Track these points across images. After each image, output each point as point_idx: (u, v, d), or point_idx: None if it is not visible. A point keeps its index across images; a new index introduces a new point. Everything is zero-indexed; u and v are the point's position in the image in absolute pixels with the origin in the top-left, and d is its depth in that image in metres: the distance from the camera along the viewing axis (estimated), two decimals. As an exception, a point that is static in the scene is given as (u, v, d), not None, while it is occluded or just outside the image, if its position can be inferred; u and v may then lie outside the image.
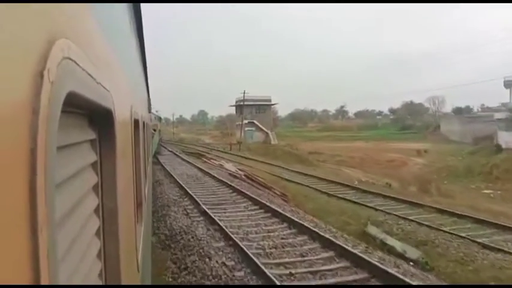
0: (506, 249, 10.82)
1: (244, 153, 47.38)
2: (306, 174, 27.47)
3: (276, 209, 13.34)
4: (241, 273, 8.12)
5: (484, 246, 11.00)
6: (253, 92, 63.99)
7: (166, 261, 9.00)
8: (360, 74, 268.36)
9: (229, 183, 19.46)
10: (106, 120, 1.28)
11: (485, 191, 35.14)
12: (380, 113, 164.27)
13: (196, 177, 23.19)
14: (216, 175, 22.94)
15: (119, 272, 1.37)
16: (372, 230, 12.54)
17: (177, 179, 21.14)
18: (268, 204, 14.22)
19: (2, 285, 0.48)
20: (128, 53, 2.66)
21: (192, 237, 10.50)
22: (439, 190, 27.16)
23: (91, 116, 1.19)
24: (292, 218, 12.10)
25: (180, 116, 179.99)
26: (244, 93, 54.97)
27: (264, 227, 11.49)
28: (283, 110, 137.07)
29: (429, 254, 10.54)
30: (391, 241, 11.65)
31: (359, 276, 8.04)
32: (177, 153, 41.58)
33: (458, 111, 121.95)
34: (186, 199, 16.02)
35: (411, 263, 9.91)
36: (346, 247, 9.25)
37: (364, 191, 19.73)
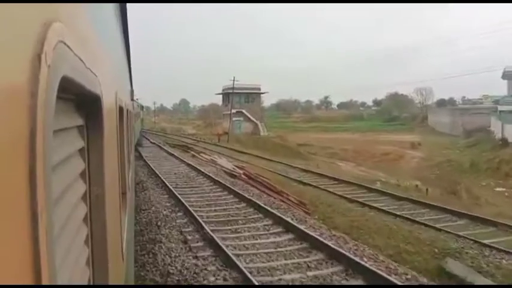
0: None
1: (233, 145, 43.16)
2: (311, 172, 23.52)
3: (311, 233, 9.32)
4: None
5: None
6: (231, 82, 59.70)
7: None
8: (342, 66, 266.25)
9: (231, 186, 15.35)
10: (94, 106, 1.25)
11: (498, 189, 31.95)
12: (363, 104, 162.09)
13: (188, 176, 18.95)
14: (211, 174, 18.78)
15: (106, 260, 1.34)
16: (455, 267, 8.65)
17: (165, 181, 16.89)
18: (295, 223, 10.20)
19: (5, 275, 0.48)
20: (111, 38, 2.37)
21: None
22: (469, 192, 23.53)
23: (79, 101, 1.16)
24: (338, 249, 8.15)
25: (161, 104, 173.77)
26: (234, 80, 50.45)
27: (310, 272, 7.43)
28: (267, 100, 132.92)
29: None
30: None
31: None
32: (160, 144, 37.08)
33: (441, 103, 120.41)
34: (179, 213, 11.84)
35: None
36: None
37: (400, 198, 15.84)
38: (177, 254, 8.34)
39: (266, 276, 7.14)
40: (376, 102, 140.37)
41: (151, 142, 40.66)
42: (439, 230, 11.31)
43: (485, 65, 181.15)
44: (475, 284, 7.99)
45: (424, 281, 7.49)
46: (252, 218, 11.24)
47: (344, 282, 7.02)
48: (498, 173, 36.36)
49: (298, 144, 61.16)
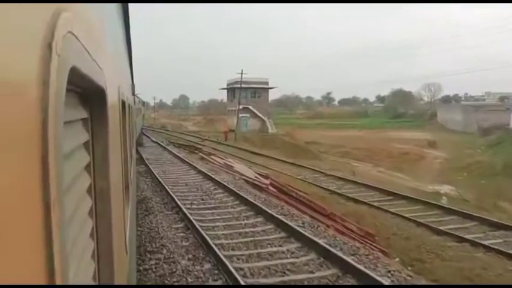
0: None
1: (243, 144, 38.87)
2: (347, 180, 19.22)
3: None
4: None
5: None
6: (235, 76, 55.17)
7: None
8: (343, 60, 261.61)
9: (266, 209, 11.12)
10: (99, 99, 1.23)
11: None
12: (365, 100, 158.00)
13: (203, 190, 14.69)
14: (231, 186, 14.59)
15: (111, 253, 1.32)
16: None
17: (175, 197, 12.64)
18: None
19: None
20: (114, 33, 2.36)
21: None
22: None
23: (84, 94, 1.15)
24: None
25: (160, 100, 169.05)
26: (242, 73, 45.83)
27: None
28: (269, 96, 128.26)
29: None
30: None
31: None
32: (162, 144, 32.74)
33: (446, 99, 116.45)
34: (207, 265, 7.56)
35: None
36: None
37: (491, 223, 11.60)
38: None
39: None
40: (380, 99, 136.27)
41: (152, 141, 36.32)
42: None
43: (486, 62, 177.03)
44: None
45: None
46: (326, 277, 6.96)
47: None
48: (539, 177, 32.24)
49: (306, 142, 56.90)
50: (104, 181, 1.30)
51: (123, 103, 2.81)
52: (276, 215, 10.50)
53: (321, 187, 17.16)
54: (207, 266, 7.45)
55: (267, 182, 16.53)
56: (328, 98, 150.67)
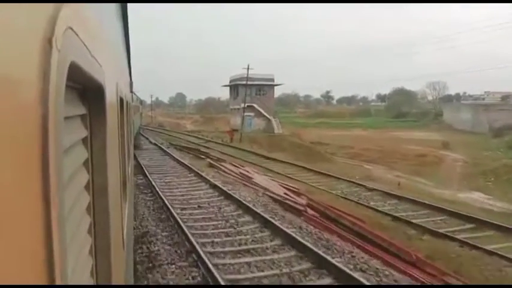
0: None
1: (252, 146, 34.96)
2: (396, 197, 15.32)
3: None
4: None
5: None
6: (239, 72, 51.23)
7: None
8: (340, 59, 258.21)
9: (329, 258, 7.25)
10: (97, 96, 1.22)
11: None
12: (365, 98, 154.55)
13: (224, 216, 10.79)
14: (261, 211, 10.73)
15: (109, 249, 1.31)
16: None
17: (188, 234, 8.71)
18: None
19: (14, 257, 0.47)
20: (113, 30, 2.35)
21: None
22: None
23: (83, 90, 1.15)
24: None
25: (157, 98, 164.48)
26: (248, 68, 41.61)
27: None
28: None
29: None
30: None
31: None
32: (163, 146, 28.74)
33: (448, 98, 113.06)
34: None
35: None
36: None
37: None
38: None
39: None
40: (381, 97, 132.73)
41: (151, 142, 32.28)
42: None
43: (486, 61, 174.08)
44: None
45: None
46: None
47: None
48: None
49: (311, 142, 53.07)
50: (102, 177, 1.27)
51: (121, 100, 2.79)
52: (348, 270, 6.65)
53: (369, 207, 13.26)
54: None
55: (303, 201, 12.63)
56: (327, 97, 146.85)
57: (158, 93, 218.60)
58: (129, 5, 3.99)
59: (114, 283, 1.42)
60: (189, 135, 43.59)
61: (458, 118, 75.67)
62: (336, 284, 6.48)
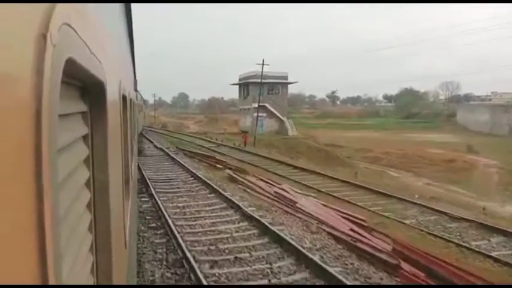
0: None
1: (267, 151, 30.67)
2: (486, 227, 11.11)
3: None
4: None
5: None
6: (249, 69, 47.03)
7: None
8: (343, 59, 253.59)
9: None
10: (98, 93, 1.21)
11: None
12: (369, 99, 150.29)
13: (278, 277, 6.55)
14: (335, 270, 6.50)
15: (109, 246, 1.29)
16: None
17: None
18: None
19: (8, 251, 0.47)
20: (116, 28, 2.30)
21: None
22: None
23: (83, 87, 1.14)
24: None
25: (160, 98, 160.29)
26: (263, 63, 36.93)
27: None
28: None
29: None
30: None
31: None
32: (169, 151, 24.54)
33: (458, 98, 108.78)
34: None
35: None
36: None
37: None
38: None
39: None
40: (387, 98, 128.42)
41: (156, 146, 28.05)
42: None
43: (492, 62, 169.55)
44: None
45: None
46: None
47: None
48: None
49: (325, 144, 48.80)
50: (103, 175, 1.25)
51: (124, 98, 2.71)
52: None
53: (489, 256, 8.92)
54: None
55: (387, 246, 8.40)
56: (333, 97, 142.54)
57: (161, 93, 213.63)
58: (132, 5, 3.80)
59: (115, 281, 1.38)
60: (195, 137, 39.28)
61: (473, 119, 71.45)
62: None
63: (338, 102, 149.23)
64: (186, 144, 31.55)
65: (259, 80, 43.69)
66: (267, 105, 42.97)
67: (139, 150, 22.12)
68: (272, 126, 44.85)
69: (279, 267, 7.25)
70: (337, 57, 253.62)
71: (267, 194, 13.07)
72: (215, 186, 13.68)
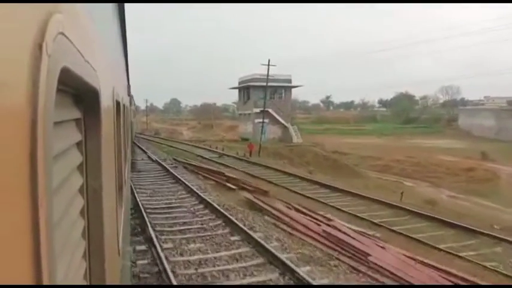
0: None
1: (274, 161, 26.74)
2: None
3: None
4: None
5: None
6: (250, 72, 43.31)
7: None
8: (337, 64, 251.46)
9: None
10: (92, 100, 1.21)
11: None
12: (365, 104, 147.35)
13: None
14: None
15: (102, 253, 1.28)
16: None
17: None
18: None
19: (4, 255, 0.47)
20: (109, 34, 2.26)
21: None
22: None
23: (77, 94, 1.13)
24: None
25: (151, 104, 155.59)
26: (268, 64, 32.84)
27: None
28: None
29: None
30: None
31: None
32: (166, 164, 20.52)
33: (454, 103, 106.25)
34: None
35: None
36: None
37: None
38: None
39: None
40: (382, 103, 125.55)
41: (150, 158, 23.98)
42: None
43: (485, 66, 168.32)
44: None
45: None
46: None
47: None
48: None
49: (331, 151, 45.04)
50: (97, 181, 1.25)
51: (118, 104, 2.67)
52: None
53: None
54: None
55: None
56: (327, 102, 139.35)
57: (152, 99, 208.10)
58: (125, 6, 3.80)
59: None
60: (194, 146, 35.25)
61: (477, 124, 68.48)
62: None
63: (331, 108, 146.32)
64: (184, 154, 27.51)
65: (260, 84, 39.87)
66: (269, 110, 39.09)
67: (131, 164, 18.16)
68: (275, 133, 40.89)
69: None
70: (329, 62, 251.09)
71: (313, 235, 9.13)
72: (236, 221, 9.77)
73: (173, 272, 6.91)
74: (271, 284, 6.65)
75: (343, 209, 12.78)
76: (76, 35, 0.78)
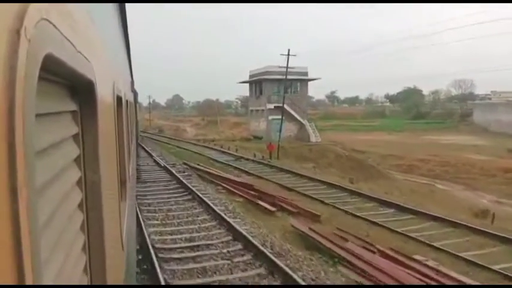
0: None
1: (299, 165, 22.92)
2: None
3: None
4: None
5: None
6: (261, 65, 39.46)
7: None
8: (341, 59, 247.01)
9: None
10: (88, 92, 1.18)
11: None
12: (369, 100, 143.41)
13: None
14: None
15: (103, 246, 1.26)
16: None
17: None
18: None
19: None
20: (109, 29, 2.25)
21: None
22: None
23: (72, 86, 1.11)
24: None
25: (153, 100, 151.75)
26: (288, 54, 28.53)
27: None
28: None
29: None
30: None
31: None
32: (176, 172, 16.76)
33: (463, 97, 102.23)
34: None
35: None
36: None
37: None
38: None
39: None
40: (389, 97, 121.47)
41: (156, 163, 20.20)
42: None
43: (493, 61, 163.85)
44: None
45: None
46: None
47: None
48: None
49: (352, 150, 41.20)
50: (95, 174, 1.22)
51: (119, 98, 2.61)
52: None
53: None
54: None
55: None
56: (332, 97, 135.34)
57: (154, 96, 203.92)
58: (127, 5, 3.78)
59: (110, 281, 1.35)
60: (204, 146, 31.47)
61: (494, 119, 64.59)
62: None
63: (336, 103, 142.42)
64: (194, 157, 23.74)
65: (274, 77, 35.96)
66: (285, 106, 35.32)
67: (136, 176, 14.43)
68: (291, 131, 37.02)
69: None
70: (334, 57, 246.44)
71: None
72: (297, 278, 6.03)
73: None
74: None
75: (452, 251, 8.68)
76: (66, 24, 0.75)
